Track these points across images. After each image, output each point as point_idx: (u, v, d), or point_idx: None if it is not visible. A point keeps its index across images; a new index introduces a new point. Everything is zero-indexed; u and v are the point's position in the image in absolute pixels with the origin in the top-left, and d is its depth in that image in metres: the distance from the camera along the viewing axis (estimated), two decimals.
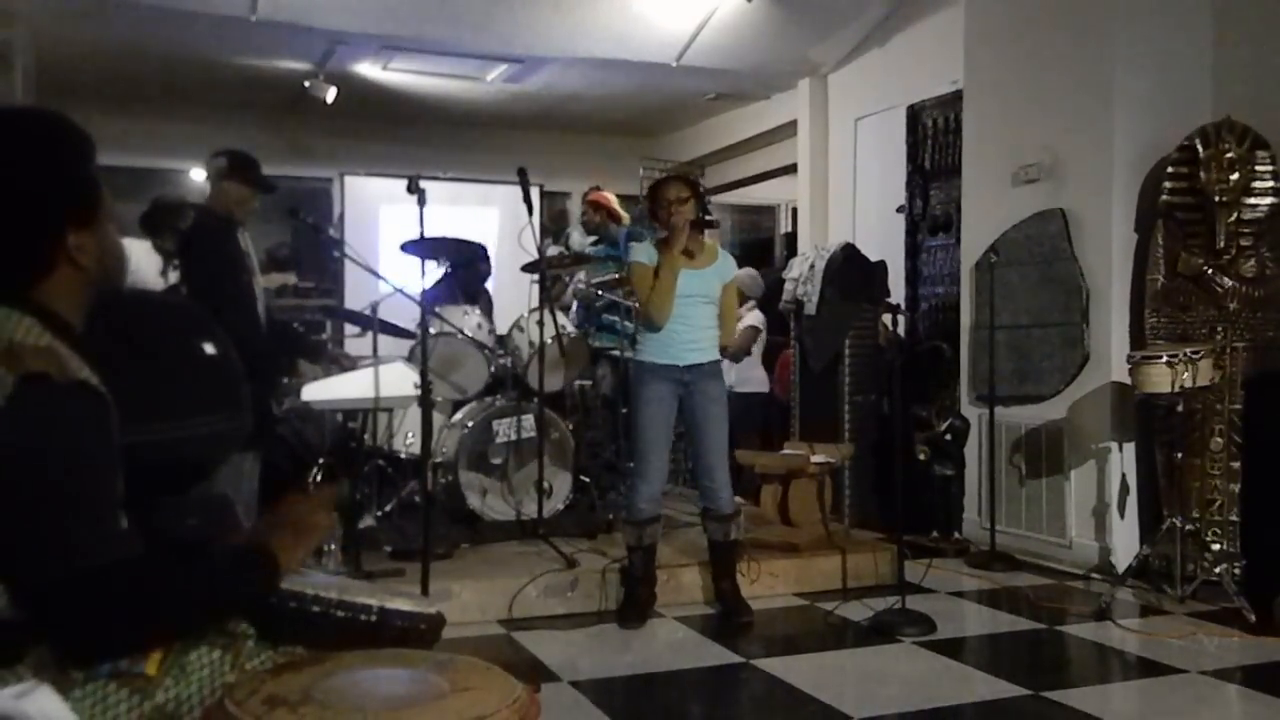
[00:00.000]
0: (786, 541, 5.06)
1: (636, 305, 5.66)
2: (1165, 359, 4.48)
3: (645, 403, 4.35)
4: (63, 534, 1.37)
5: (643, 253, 4.41)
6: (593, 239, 6.77)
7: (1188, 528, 4.62)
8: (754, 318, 7.04)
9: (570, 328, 5.61)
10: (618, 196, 6.66)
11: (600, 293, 6.05)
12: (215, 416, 1.66)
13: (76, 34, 7.26)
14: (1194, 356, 4.49)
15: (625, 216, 6.59)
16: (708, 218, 4.41)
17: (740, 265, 5.50)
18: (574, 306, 6.54)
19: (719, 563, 4.55)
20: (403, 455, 5.46)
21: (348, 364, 5.06)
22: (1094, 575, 5.18)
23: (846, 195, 7.95)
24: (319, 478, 5.25)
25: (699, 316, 4.37)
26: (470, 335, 5.32)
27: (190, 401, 1.64)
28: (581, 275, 6.41)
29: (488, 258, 6.31)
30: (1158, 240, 5.11)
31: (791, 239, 9.64)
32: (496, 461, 5.33)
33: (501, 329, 5.69)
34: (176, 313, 1.72)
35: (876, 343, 6.27)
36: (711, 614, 4.55)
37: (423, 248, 4.37)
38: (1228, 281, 4.97)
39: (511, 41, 7.36)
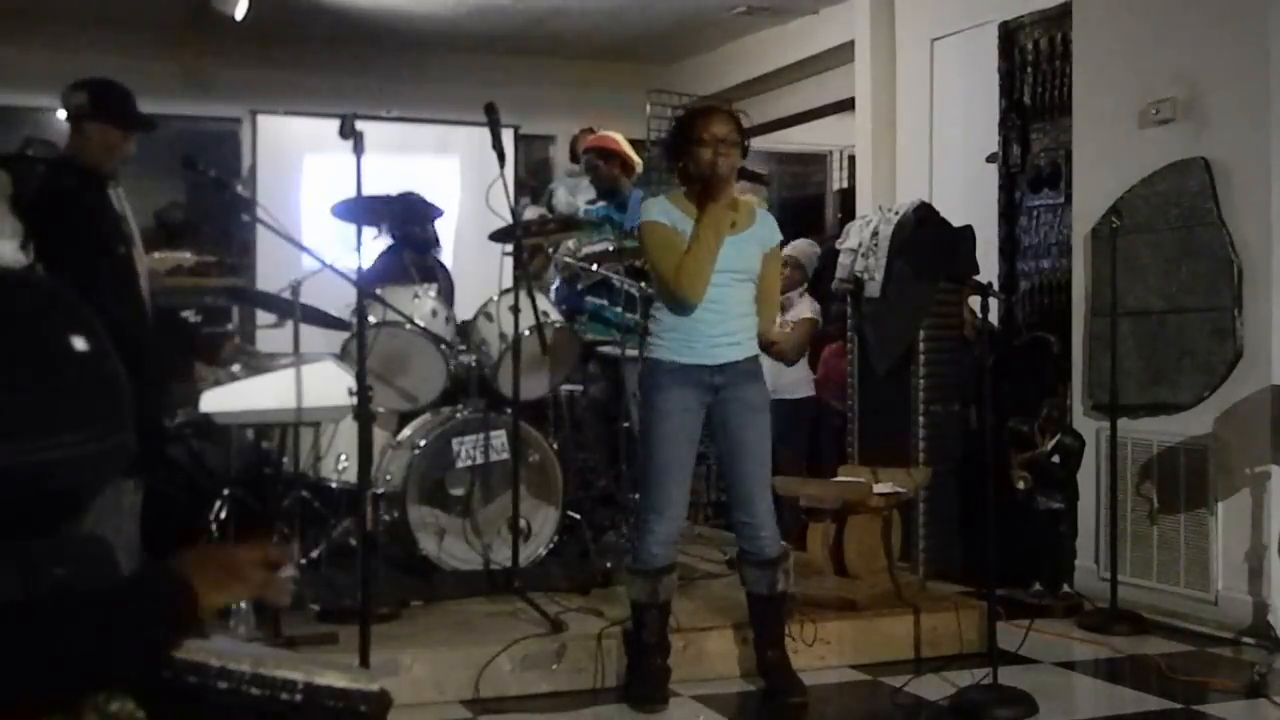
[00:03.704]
0: (841, 597, 5.06)
1: (635, 289, 5.70)
2: None
3: (663, 414, 4.33)
4: None
5: (658, 209, 4.35)
6: (590, 198, 6.74)
7: None
8: (808, 306, 7.03)
9: (554, 315, 5.61)
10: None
11: (593, 266, 6.02)
12: (87, 433, 1.66)
13: None
14: None
15: (639, 164, 6.56)
16: (758, 172, 4.35)
17: (782, 230, 5.48)
18: (555, 284, 6.53)
19: (763, 623, 4.54)
20: (334, 485, 5.47)
21: (259, 364, 5.08)
22: (1246, 640, 5.19)
23: (920, 140, 7.94)
24: (223, 514, 5.26)
25: (734, 300, 4.33)
26: (423, 325, 5.33)
27: (54, 413, 1.64)
28: (570, 243, 6.39)
29: (430, 217, 6.18)
30: None
31: (847, 197, 9.63)
32: (457, 493, 5.34)
33: (465, 316, 5.70)
34: (35, 296, 1.73)
35: (961, 334, 6.26)
36: (746, 691, 4.57)
37: (360, 209, 4.37)
38: None
39: None
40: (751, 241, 4.37)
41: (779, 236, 4.52)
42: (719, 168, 4.24)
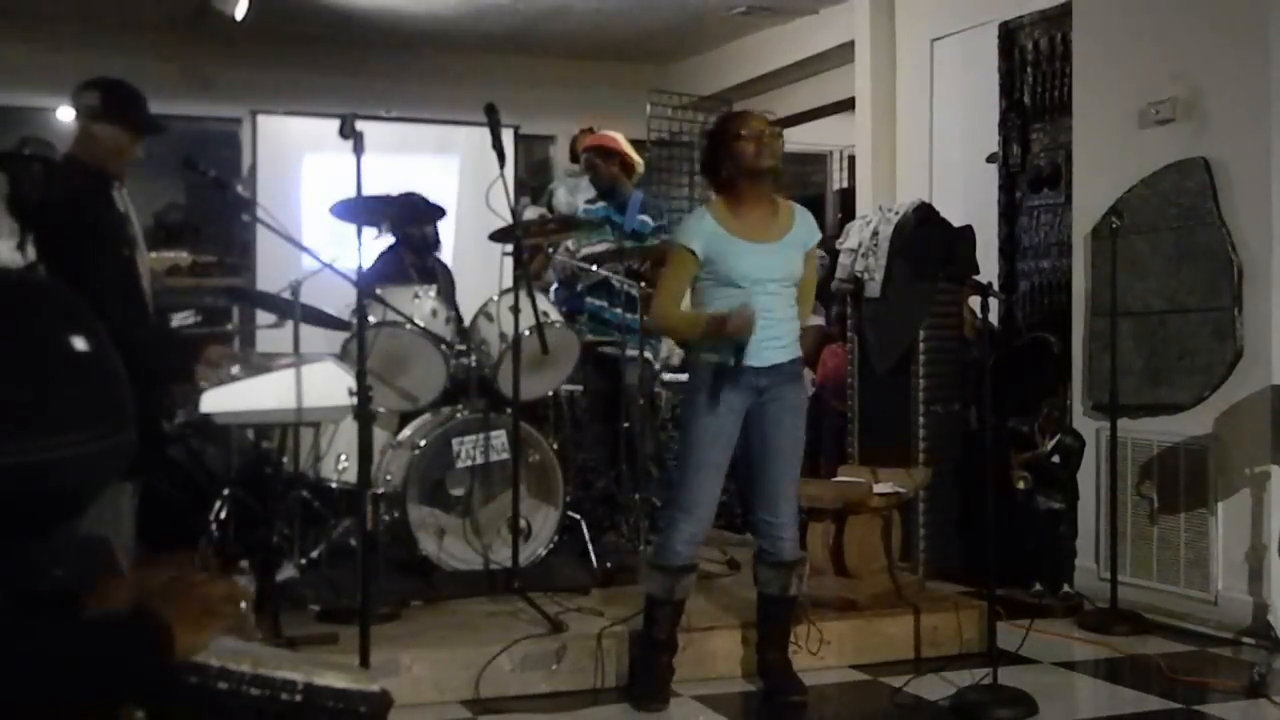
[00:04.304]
0: (841, 597, 5.07)
1: (634, 289, 5.70)
2: None
3: (707, 413, 4.33)
4: None
5: (697, 232, 4.36)
6: (589, 198, 6.73)
7: None
8: (815, 315, 7.03)
9: (554, 315, 5.62)
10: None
11: (593, 266, 6.01)
12: (88, 433, 1.66)
13: None
14: None
15: (640, 164, 6.55)
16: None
17: None
18: (554, 285, 6.53)
19: (770, 625, 4.56)
20: (334, 485, 5.46)
21: (258, 364, 5.06)
22: (1246, 640, 5.19)
23: (920, 140, 7.94)
24: (223, 514, 5.26)
25: (780, 305, 4.36)
26: (423, 325, 5.33)
27: (55, 413, 1.64)
28: (569, 244, 6.39)
29: (431, 218, 6.17)
30: None
31: (847, 197, 9.64)
32: (457, 493, 5.34)
33: (465, 317, 5.70)
34: (36, 296, 1.72)
35: (961, 335, 6.27)
36: (747, 691, 4.57)
37: (360, 209, 4.37)
38: None
39: None
40: (794, 245, 4.41)
41: (818, 235, 4.55)
42: (763, 157, 4.28)
